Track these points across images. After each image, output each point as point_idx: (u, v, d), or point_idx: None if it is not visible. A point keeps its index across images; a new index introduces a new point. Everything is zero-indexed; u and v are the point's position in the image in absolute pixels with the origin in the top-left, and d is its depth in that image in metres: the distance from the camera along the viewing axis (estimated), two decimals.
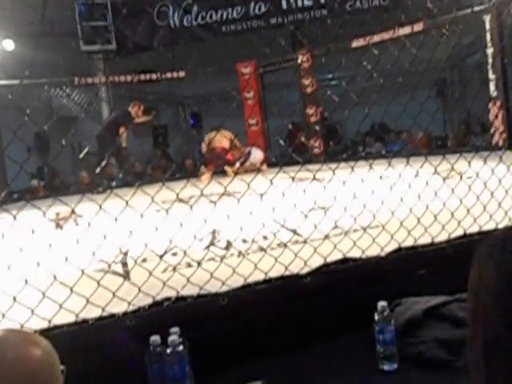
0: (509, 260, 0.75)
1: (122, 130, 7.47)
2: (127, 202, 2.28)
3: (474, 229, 2.50)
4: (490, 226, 2.49)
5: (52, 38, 9.04)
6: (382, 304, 2.00)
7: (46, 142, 10.39)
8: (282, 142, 9.86)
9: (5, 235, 2.44)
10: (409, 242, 2.43)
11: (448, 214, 2.57)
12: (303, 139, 8.49)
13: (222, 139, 7.62)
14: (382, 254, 2.37)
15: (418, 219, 2.52)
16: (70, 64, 8.46)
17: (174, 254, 3.03)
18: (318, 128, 8.45)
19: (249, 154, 8.10)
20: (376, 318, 1.99)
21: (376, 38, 5.78)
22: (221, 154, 7.76)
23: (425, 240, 2.46)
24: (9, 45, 9.18)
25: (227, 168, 7.78)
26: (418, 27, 6.32)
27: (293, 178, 2.80)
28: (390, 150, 8.95)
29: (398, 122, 3.03)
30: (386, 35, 5.61)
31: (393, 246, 2.41)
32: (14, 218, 2.23)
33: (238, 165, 7.89)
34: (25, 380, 0.88)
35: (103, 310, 2.05)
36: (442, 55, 8.19)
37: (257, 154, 8.13)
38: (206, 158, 8.15)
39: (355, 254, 2.38)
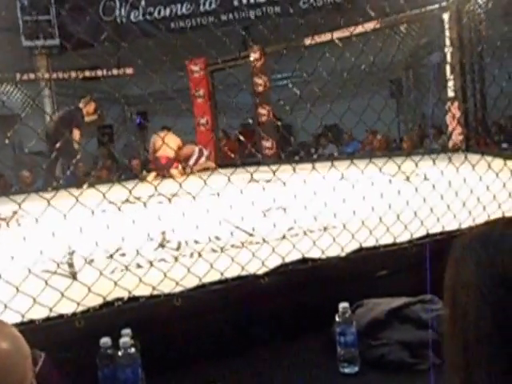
0: (491, 255, 0.74)
1: (75, 130, 7.16)
2: (77, 199, 2.13)
3: (437, 229, 2.48)
4: (454, 226, 2.48)
5: None
6: (343, 305, 1.94)
7: None
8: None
9: None
10: (370, 243, 2.39)
11: (411, 214, 2.55)
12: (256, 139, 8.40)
13: (166, 148, 7.39)
14: (343, 254, 2.32)
15: (380, 218, 2.48)
16: (11, 60, 8.14)
17: (123, 255, 2.91)
18: (270, 128, 8.39)
19: (201, 151, 7.98)
20: (337, 319, 1.93)
21: (329, 37, 5.76)
22: (165, 165, 7.57)
23: (387, 240, 2.42)
24: None
25: (173, 172, 7.57)
26: (374, 25, 6.29)
27: (253, 177, 2.71)
28: (343, 152, 9.01)
29: (351, 123, 3.00)
30: (340, 33, 5.58)
31: (354, 246, 2.36)
32: None
33: (191, 163, 7.75)
34: None
35: (51, 310, 1.92)
36: (398, 55, 8.30)
37: (204, 150, 8.04)
38: (151, 164, 7.95)
39: (315, 254, 2.32)
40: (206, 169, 7.58)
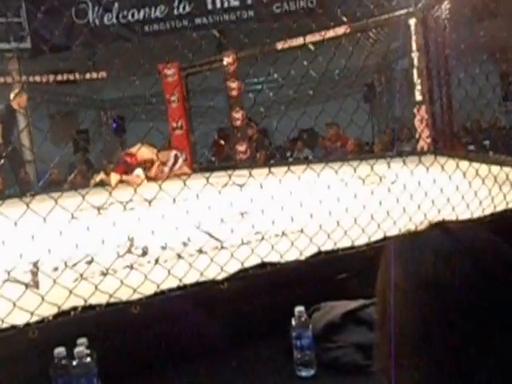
0: (416, 258, 0.75)
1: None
2: (51, 210, 2.12)
3: (394, 231, 2.51)
4: (411, 228, 2.50)
5: None
6: (298, 309, 1.95)
7: None
8: (206, 152, 9.72)
9: None
10: (328, 246, 2.41)
11: (368, 218, 2.57)
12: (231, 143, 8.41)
13: (142, 153, 7.37)
14: (302, 257, 2.33)
15: (337, 222, 2.50)
16: None
17: (89, 263, 2.89)
18: (246, 132, 8.41)
19: (176, 157, 7.96)
20: (293, 323, 1.94)
21: (301, 41, 5.80)
22: (130, 165, 7.53)
23: (345, 244, 2.45)
24: None
25: (138, 171, 7.51)
26: (344, 30, 6.37)
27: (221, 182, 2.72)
28: (317, 156, 9.06)
29: (316, 125, 3.02)
30: (312, 38, 5.63)
31: (312, 250, 2.38)
32: None
33: (166, 169, 7.73)
34: None
35: (2, 321, 1.90)
36: (370, 60, 8.38)
37: (179, 155, 8.03)
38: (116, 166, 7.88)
39: (274, 258, 2.33)
40: (181, 174, 7.57)
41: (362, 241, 2.46)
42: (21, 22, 8.87)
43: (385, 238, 2.42)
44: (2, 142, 6.70)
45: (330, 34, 6.22)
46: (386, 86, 10.90)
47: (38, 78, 8.43)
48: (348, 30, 6.40)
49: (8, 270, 2.65)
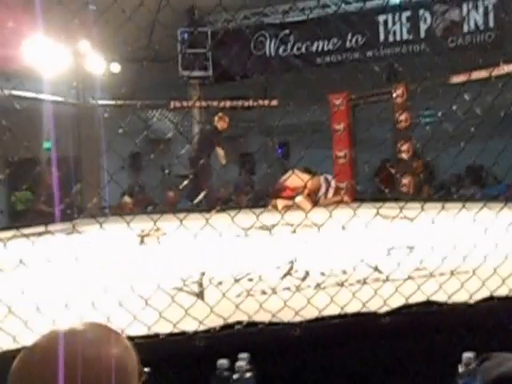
0: None
1: (218, 149, 7.43)
2: (207, 220, 2.27)
3: None
4: None
5: (153, 63, 9.49)
6: (467, 355, 1.82)
7: (139, 161, 10.82)
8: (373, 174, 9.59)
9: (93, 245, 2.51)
10: (502, 292, 2.24)
11: None
12: (397, 175, 8.23)
13: (293, 181, 7.46)
14: (471, 301, 2.20)
15: None
16: (166, 88, 8.81)
17: (250, 280, 3.00)
18: (411, 165, 8.20)
19: (327, 181, 7.99)
20: (460, 370, 1.82)
21: (477, 74, 5.52)
22: (290, 196, 7.66)
23: None
24: (115, 67, 9.70)
25: (298, 198, 7.58)
26: None
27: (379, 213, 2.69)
28: (487, 194, 8.49)
29: (496, 164, 2.84)
30: (490, 72, 5.35)
31: (483, 294, 2.23)
32: (100, 225, 2.29)
33: (320, 194, 7.80)
34: (99, 379, 0.88)
35: (174, 326, 2.03)
36: None
37: (329, 177, 8.03)
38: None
39: (440, 298, 2.23)
40: (336, 202, 7.56)
41: None
42: (205, 52, 9.65)
43: None
44: (197, 158, 7.24)
45: (509, 68, 5.85)
46: None
47: (215, 103, 9.05)
48: None
49: (179, 279, 2.86)
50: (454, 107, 2.81)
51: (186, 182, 7.03)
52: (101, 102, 8.39)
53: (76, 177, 7.48)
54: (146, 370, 1.00)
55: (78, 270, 2.82)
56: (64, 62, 7.48)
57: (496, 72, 5.23)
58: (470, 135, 2.90)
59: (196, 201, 7.25)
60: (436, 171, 11.02)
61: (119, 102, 8.26)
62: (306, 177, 7.65)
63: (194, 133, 9.85)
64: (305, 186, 7.51)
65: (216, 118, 7.89)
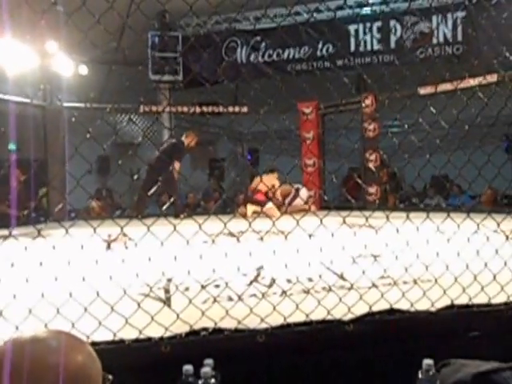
0: None
1: (176, 162, 7.53)
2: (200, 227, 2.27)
3: None
4: None
5: (123, 66, 9.42)
6: (427, 362, 1.87)
7: (107, 165, 10.71)
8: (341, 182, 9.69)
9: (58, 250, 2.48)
10: (463, 300, 2.30)
11: (509, 275, 2.43)
12: (363, 185, 8.36)
13: (263, 187, 7.57)
14: (433, 309, 2.25)
15: (475, 276, 2.38)
16: (136, 92, 8.73)
17: (217, 286, 3.00)
18: (377, 174, 8.32)
19: (297, 190, 8.08)
20: (420, 376, 1.86)
21: (444, 87, 5.65)
22: (260, 201, 7.74)
23: (481, 300, 2.32)
24: (83, 69, 9.60)
25: (269, 205, 7.67)
26: (492, 78, 6.10)
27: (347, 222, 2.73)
28: (451, 204, 8.67)
29: (461, 175, 2.91)
30: (457, 84, 5.47)
31: (445, 302, 2.28)
32: (66, 231, 2.27)
33: (286, 201, 7.88)
34: None
35: (140, 332, 2.03)
36: None
37: (304, 192, 8.12)
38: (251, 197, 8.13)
39: (403, 306, 2.27)
40: (302, 210, 7.64)
41: (500, 299, 2.32)
42: (176, 57, 9.63)
43: None
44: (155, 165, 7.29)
45: (475, 82, 6.00)
46: None
47: (185, 108, 9.03)
48: (495, 79, 6.12)
49: (145, 285, 2.84)
50: (420, 119, 2.88)
51: (154, 189, 7.02)
52: (68, 105, 8.26)
53: (42, 180, 7.36)
54: (110, 377, 1.00)
55: (42, 275, 2.78)
56: (31, 63, 7.37)
57: (462, 85, 5.37)
58: (436, 146, 2.97)
59: (164, 207, 7.24)
60: (402, 181, 11.21)
61: (87, 105, 8.15)
62: (276, 182, 7.74)
63: (163, 138, 9.81)
64: (273, 188, 7.59)
65: (185, 134, 8.01)
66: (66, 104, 8.20)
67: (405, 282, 2.65)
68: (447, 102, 3.01)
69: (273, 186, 7.68)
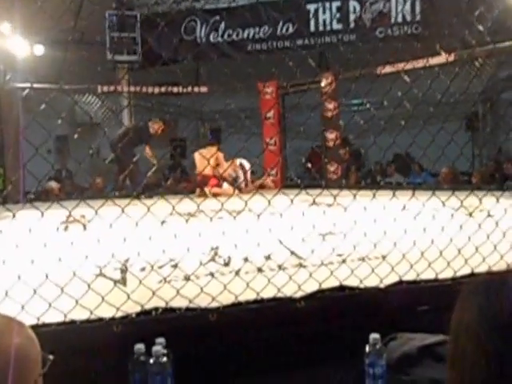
0: (492, 304, 0.76)
1: (146, 147, 7.48)
2: (149, 209, 2.25)
3: (483, 268, 2.42)
4: (501, 266, 2.41)
5: (80, 46, 9.21)
6: (374, 336, 1.92)
7: (66, 145, 10.52)
8: (303, 161, 9.76)
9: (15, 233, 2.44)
10: (410, 276, 2.36)
11: (455, 251, 2.50)
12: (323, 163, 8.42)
13: (202, 165, 7.50)
14: (381, 285, 2.30)
15: (422, 253, 2.45)
16: (95, 72, 8.59)
17: (174, 266, 3.00)
18: (338, 153, 8.39)
19: (242, 167, 8.08)
20: (367, 350, 1.91)
21: (405, 66, 5.68)
22: (200, 182, 7.75)
23: (428, 275, 2.39)
24: (39, 50, 9.33)
25: (206, 190, 7.67)
26: (450, 58, 6.18)
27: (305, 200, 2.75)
28: (412, 182, 8.82)
29: (423, 153, 2.96)
30: (416, 64, 5.52)
31: (393, 279, 2.34)
32: (14, 215, 2.24)
33: (242, 182, 7.90)
34: None
35: (91, 313, 2.02)
36: (475, 88, 8.04)
37: (247, 165, 8.13)
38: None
39: (353, 282, 2.32)
40: (261, 186, 7.73)
41: (446, 274, 2.39)
42: (135, 36, 9.46)
43: (472, 274, 2.34)
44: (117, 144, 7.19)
45: (435, 61, 6.06)
46: (491, 116, 10.43)
47: (144, 89, 8.90)
48: (454, 58, 6.22)
49: (100, 265, 2.83)
50: (382, 98, 2.91)
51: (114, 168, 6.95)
52: (23, 85, 8.04)
53: None
54: (50, 357, 1.00)
55: None
56: None
57: (421, 64, 5.42)
58: (399, 125, 3.00)
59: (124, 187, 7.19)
60: (364, 159, 11.35)
61: (44, 86, 7.95)
62: (219, 154, 7.67)
63: (123, 119, 9.66)
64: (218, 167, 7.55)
65: (152, 121, 7.95)
66: (20, 84, 7.98)
67: (352, 260, 2.70)
68: (408, 81, 3.04)
69: (217, 165, 7.64)
